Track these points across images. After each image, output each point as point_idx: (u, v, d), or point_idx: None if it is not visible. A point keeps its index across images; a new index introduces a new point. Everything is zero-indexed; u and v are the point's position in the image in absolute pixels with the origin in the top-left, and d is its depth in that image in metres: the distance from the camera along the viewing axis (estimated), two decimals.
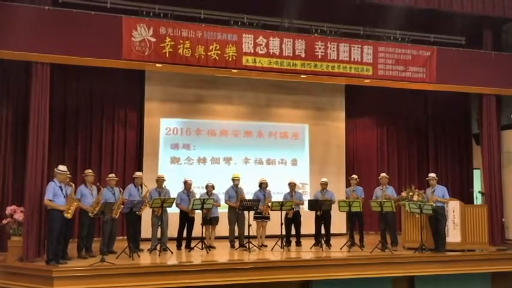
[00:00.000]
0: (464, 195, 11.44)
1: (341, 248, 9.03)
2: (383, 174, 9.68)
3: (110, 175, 8.66)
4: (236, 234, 9.27)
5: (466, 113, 12.17)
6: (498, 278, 8.78)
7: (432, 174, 9.14)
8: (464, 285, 8.58)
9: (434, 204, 8.64)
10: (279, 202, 9.01)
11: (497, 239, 9.76)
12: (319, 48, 9.15)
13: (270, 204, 9.08)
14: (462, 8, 9.62)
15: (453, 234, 9.13)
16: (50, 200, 7.23)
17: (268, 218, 9.27)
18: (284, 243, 9.03)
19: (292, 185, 9.62)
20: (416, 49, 9.81)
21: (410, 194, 9.39)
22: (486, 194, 10.32)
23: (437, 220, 8.72)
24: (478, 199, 11.56)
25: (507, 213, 10.31)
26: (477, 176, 11.77)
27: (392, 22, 9.92)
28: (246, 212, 8.92)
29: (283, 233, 9.18)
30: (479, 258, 8.69)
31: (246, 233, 8.96)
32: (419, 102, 11.91)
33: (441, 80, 9.79)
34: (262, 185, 9.50)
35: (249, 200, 9.05)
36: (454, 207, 9.22)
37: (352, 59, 9.35)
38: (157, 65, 8.69)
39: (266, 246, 9.10)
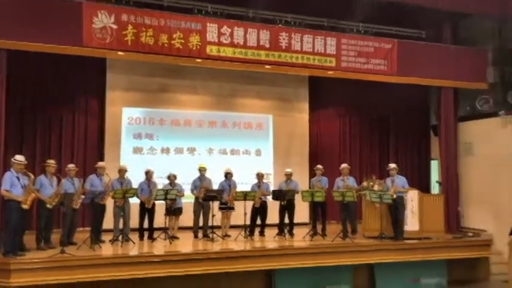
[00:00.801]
0: (422, 184, 11.78)
1: (304, 237, 9.17)
2: (344, 165, 9.86)
3: (69, 165, 8.47)
4: (200, 224, 9.26)
5: (425, 105, 12.48)
6: (453, 264, 9.13)
7: (392, 165, 9.37)
8: (421, 271, 8.88)
9: (394, 194, 8.87)
10: (243, 192, 9.04)
11: (453, 227, 10.11)
12: (284, 39, 9.18)
13: (234, 194, 9.10)
14: (423, 2, 9.82)
15: (411, 223, 9.40)
16: (7, 191, 7.00)
17: (232, 208, 9.31)
18: (248, 233, 9.09)
19: (259, 176, 9.67)
20: (378, 42, 9.97)
21: (371, 183, 9.59)
22: (443, 184, 10.68)
23: (396, 209, 8.96)
24: (435, 188, 11.93)
25: (463, 202, 10.71)
26: (435, 166, 12.13)
27: (356, 15, 10.04)
28: (210, 202, 8.93)
29: (249, 222, 9.24)
30: (435, 246, 9.00)
31: (210, 223, 8.97)
32: (381, 94, 12.07)
33: (401, 73, 10.00)
34: (227, 175, 9.52)
35: (213, 190, 9.07)
36: (412, 197, 9.49)
37: (315, 51, 9.41)
38: (119, 53, 8.52)
39: (230, 236, 9.13)
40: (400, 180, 9.15)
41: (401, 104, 12.23)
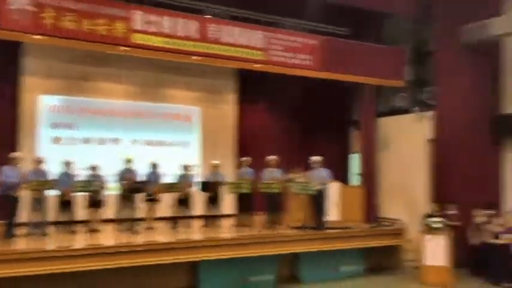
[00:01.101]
0: (343, 177, 12.27)
1: (230, 229, 9.23)
2: (271, 157, 10.01)
3: None
4: (125, 216, 9.02)
5: (347, 101, 12.97)
6: (371, 252, 9.59)
7: (316, 158, 9.64)
8: (341, 260, 9.25)
9: (317, 186, 9.17)
10: (169, 184, 8.94)
11: (371, 216, 10.64)
12: (212, 31, 9.09)
13: (160, 186, 8.96)
14: (349, 1, 10.17)
15: (333, 213, 9.78)
16: None
17: (157, 200, 9.17)
18: (173, 225, 8.99)
19: (185, 167, 9.60)
20: (305, 37, 10.16)
21: (296, 176, 9.84)
22: (363, 176, 11.20)
23: (319, 200, 9.26)
24: (355, 180, 12.48)
25: (380, 194, 11.31)
26: (355, 159, 12.68)
27: (285, 10, 10.19)
28: (135, 194, 8.74)
29: (174, 214, 9.13)
30: (354, 235, 9.41)
31: (135, 215, 8.77)
32: (307, 89, 12.38)
33: (326, 68, 10.22)
34: (153, 167, 9.36)
35: (139, 182, 8.89)
36: (334, 188, 9.86)
37: (244, 44, 9.40)
38: (37, 36, 8.01)
39: (155, 228, 8.99)
40: (323, 173, 9.46)
41: (325, 99, 12.59)
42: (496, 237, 8.80)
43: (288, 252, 8.70)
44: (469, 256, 9.32)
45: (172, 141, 11.35)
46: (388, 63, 10.83)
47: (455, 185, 9.92)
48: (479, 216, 9.33)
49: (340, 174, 12.13)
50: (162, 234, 8.51)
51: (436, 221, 8.93)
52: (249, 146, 12.07)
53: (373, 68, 10.66)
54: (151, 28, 8.51)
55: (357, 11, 10.55)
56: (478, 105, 10.21)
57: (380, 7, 10.41)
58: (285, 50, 9.82)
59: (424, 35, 11.19)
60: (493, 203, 9.81)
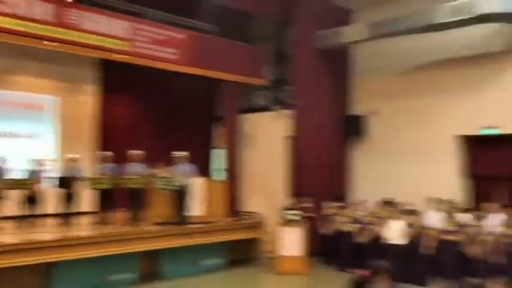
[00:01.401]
0: (208, 172, 12.44)
1: (88, 227, 8.80)
2: (134, 152, 9.74)
3: None
4: None
5: (212, 97, 13.15)
6: (233, 245, 9.91)
7: (180, 153, 9.63)
8: (203, 254, 9.39)
9: (181, 181, 9.17)
10: (16, 180, 8.24)
11: (234, 211, 10.98)
12: (72, 16, 8.47)
13: (6, 182, 8.23)
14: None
15: (197, 208, 9.87)
16: None
17: (3, 197, 8.41)
18: (21, 224, 8.30)
19: (35, 162, 8.93)
20: (173, 31, 10.05)
21: (160, 170, 9.72)
22: (227, 171, 11.50)
23: (183, 195, 9.28)
24: (218, 176, 12.71)
25: (243, 188, 11.73)
26: (219, 154, 12.92)
27: (152, 1, 9.97)
28: None
29: (22, 213, 8.43)
30: (216, 229, 9.61)
31: None
32: (173, 83, 12.26)
33: (192, 63, 10.21)
34: None
35: None
36: (198, 183, 9.95)
37: (107, 33, 8.95)
38: None
39: (0, 228, 8.19)
40: (187, 168, 9.48)
41: (191, 94, 12.60)
42: (343, 227, 9.68)
43: (148, 249, 8.56)
44: (322, 245, 10.13)
45: (22, 133, 10.39)
46: (249, 62, 11.18)
47: (310, 179, 10.71)
48: (329, 207, 10.19)
49: (204, 169, 12.28)
50: (9, 235, 7.78)
51: (293, 214, 9.54)
52: (111, 139, 11.56)
53: (236, 65, 10.93)
54: (1, 8, 7.67)
55: (224, 9, 10.75)
56: (330, 106, 11.17)
57: (244, 7, 10.76)
58: (151, 42, 9.60)
59: (286, 37, 11.84)
60: (342, 196, 10.82)
